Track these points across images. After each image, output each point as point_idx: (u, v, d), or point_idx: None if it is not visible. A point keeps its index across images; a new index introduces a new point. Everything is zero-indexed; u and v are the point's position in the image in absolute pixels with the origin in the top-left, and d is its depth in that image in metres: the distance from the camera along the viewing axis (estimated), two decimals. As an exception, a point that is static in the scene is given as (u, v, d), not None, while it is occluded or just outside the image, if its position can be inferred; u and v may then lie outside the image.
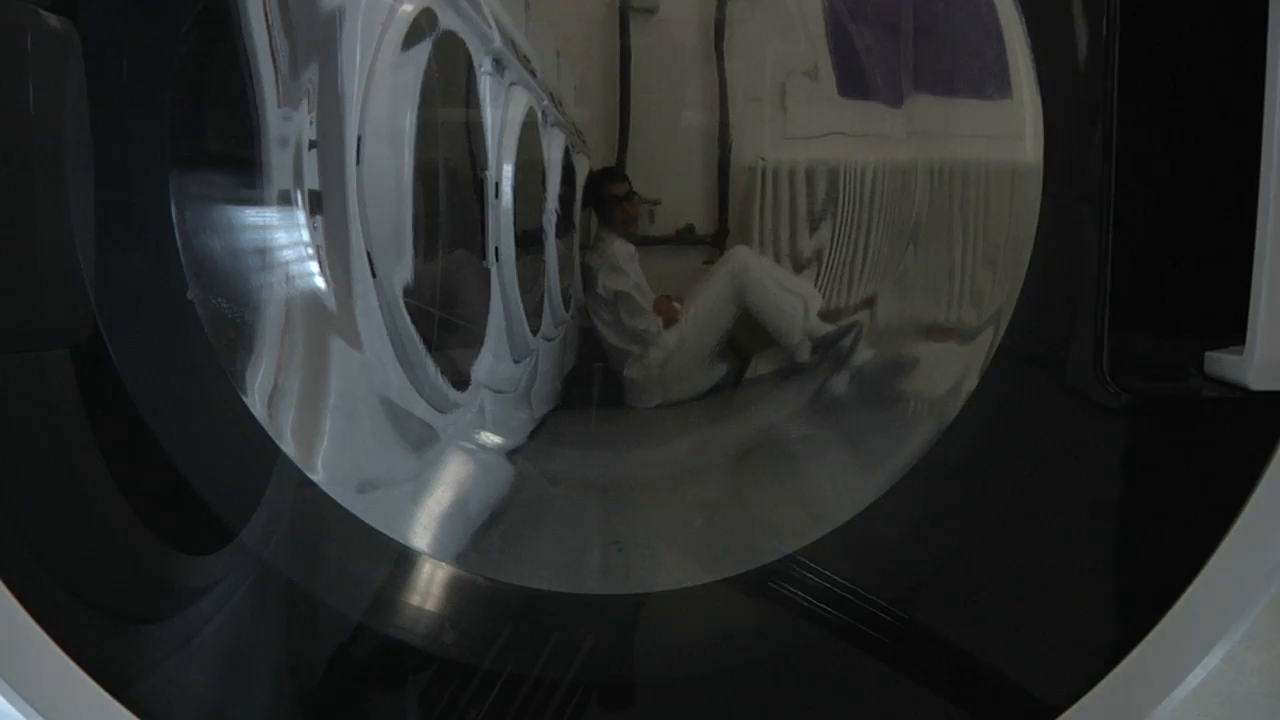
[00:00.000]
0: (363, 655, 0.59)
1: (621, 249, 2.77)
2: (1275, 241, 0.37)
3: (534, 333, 1.80)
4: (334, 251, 0.79)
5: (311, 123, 0.77)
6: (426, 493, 0.75)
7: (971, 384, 0.51)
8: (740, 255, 3.10)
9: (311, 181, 0.77)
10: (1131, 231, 0.44)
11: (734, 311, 3.04)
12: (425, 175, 1.13)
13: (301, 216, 0.77)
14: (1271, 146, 0.40)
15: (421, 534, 0.70)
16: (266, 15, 0.73)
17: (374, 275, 0.96)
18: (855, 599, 0.53)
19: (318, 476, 0.66)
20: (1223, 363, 0.37)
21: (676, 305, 3.02)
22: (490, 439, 0.84)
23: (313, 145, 0.77)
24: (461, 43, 1.28)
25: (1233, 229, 0.40)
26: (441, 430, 0.86)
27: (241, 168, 0.69)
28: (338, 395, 0.79)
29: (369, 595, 0.62)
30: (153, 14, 0.61)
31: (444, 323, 1.22)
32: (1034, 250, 0.50)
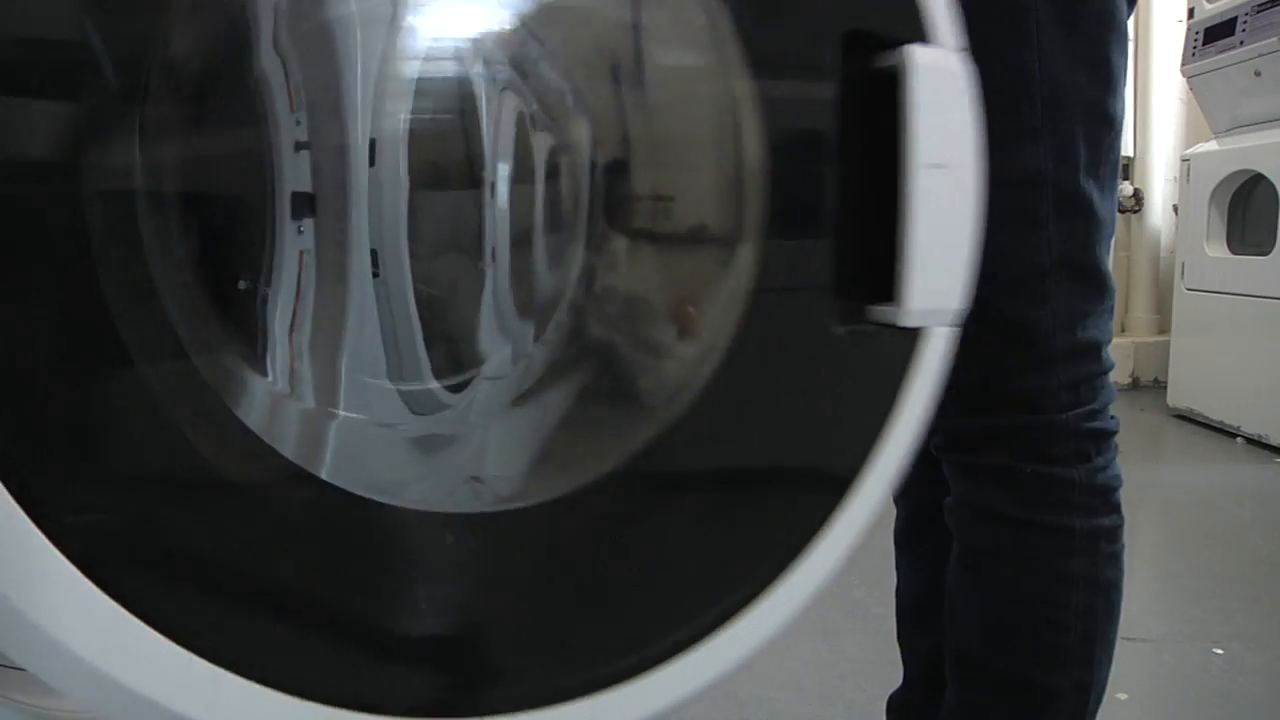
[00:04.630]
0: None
1: (628, 249, 2.75)
2: (912, 228, 0.53)
3: (535, 339, 1.76)
4: (326, 255, 0.79)
5: (299, 123, 0.76)
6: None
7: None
8: None
9: (298, 184, 0.76)
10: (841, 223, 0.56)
11: None
12: (419, 176, 1.13)
13: (288, 220, 0.76)
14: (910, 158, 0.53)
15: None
16: (274, 13, 0.72)
17: (375, 276, 0.96)
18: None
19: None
20: (885, 312, 0.55)
21: (692, 310, 3.00)
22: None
23: (301, 147, 0.76)
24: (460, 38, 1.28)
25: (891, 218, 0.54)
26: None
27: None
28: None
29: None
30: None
31: (440, 325, 1.21)
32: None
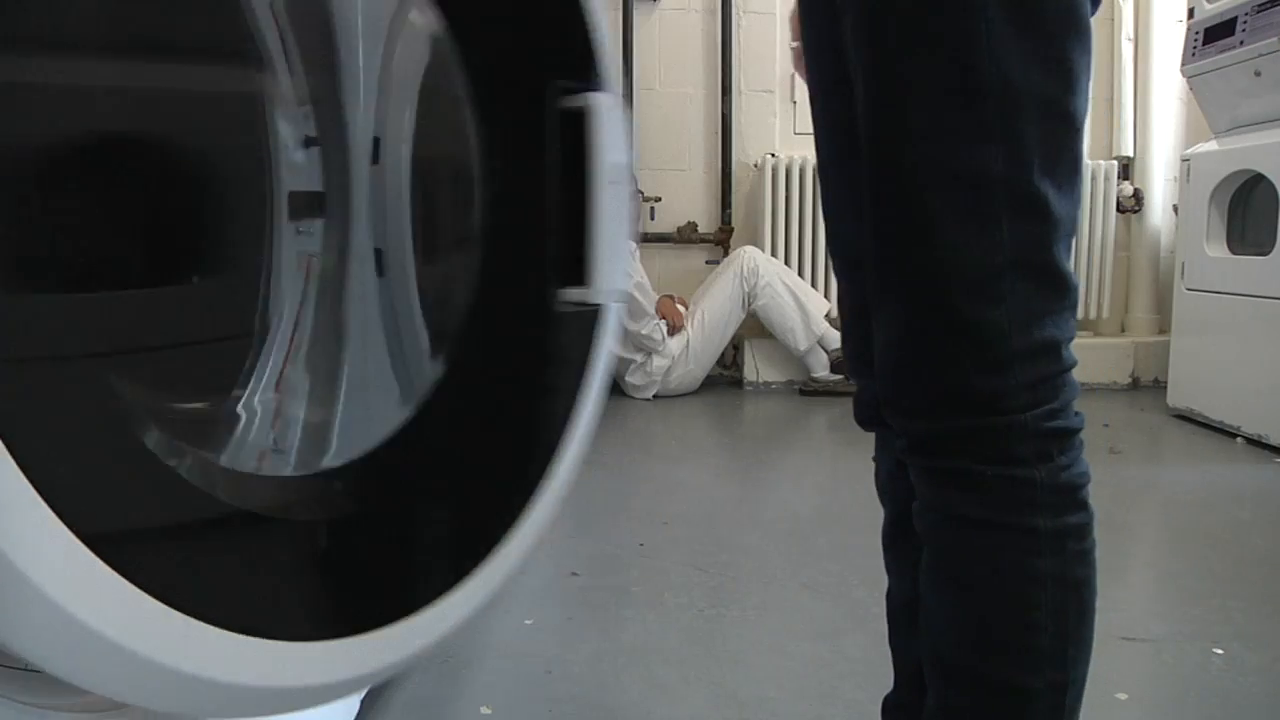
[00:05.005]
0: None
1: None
2: (598, 228, 0.72)
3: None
4: (332, 253, 0.79)
5: (306, 118, 0.75)
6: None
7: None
8: (751, 257, 3.14)
9: (300, 184, 0.75)
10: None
11: (741, 316, 3.08)
12: (425, 173, 1.12)
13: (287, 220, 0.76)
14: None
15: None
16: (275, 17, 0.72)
17: (380, 275, 0.95)
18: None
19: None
20: (580, 294, 0.73)
21: (681, 309, 3.05)
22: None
23: (310, 143, 0.76)
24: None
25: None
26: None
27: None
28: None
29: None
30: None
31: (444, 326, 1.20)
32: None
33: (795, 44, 0.86)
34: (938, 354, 0.66)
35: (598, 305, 0.75)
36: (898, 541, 0.83)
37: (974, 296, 0.64)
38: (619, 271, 0.76)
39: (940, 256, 0.64)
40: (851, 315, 0.80)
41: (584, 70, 0.72)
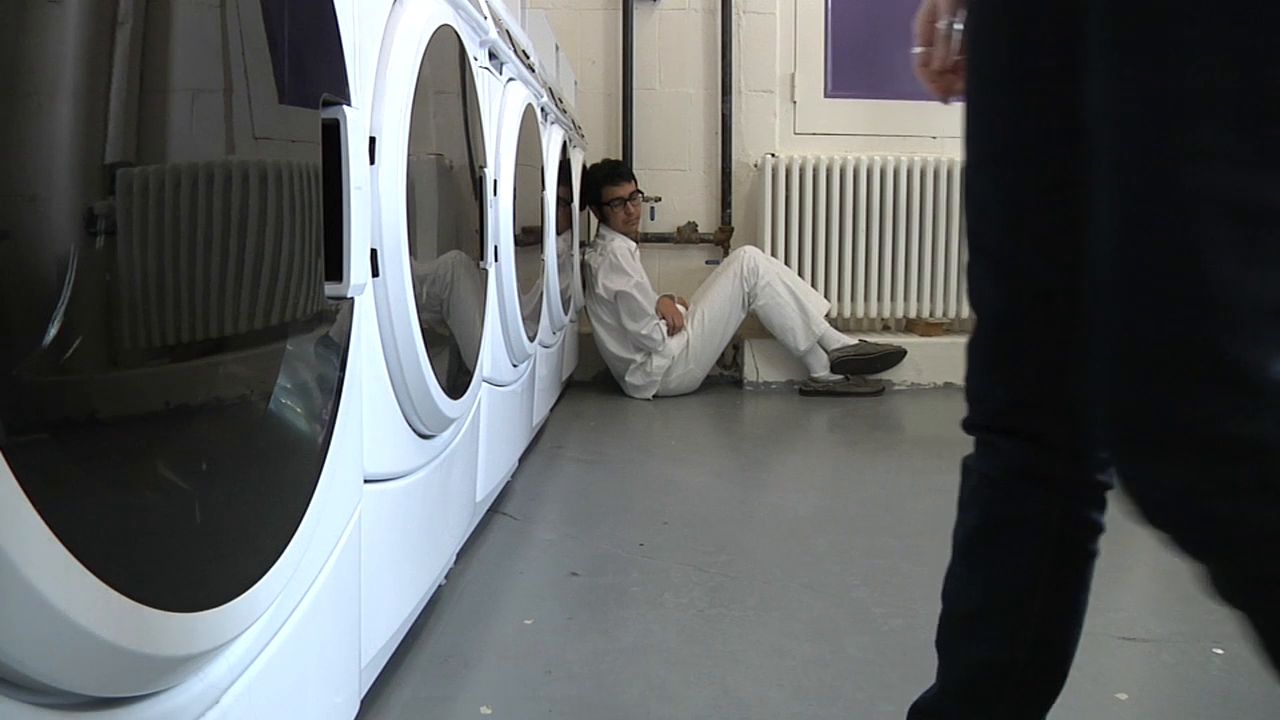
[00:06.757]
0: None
1: (622, 246, 2.78)
2: (349, 230, 0.80)
3: (531, 338, 1.73)
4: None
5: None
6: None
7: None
8: (751, 257, 3.14)
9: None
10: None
11: (741, 316, 3.07)
12: (422, 173, 1.12)
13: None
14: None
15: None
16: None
17: (375, 275, 0.95)
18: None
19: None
20: (337, 288, 0.80)
21: (681, 308, 3.04)
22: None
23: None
24: (456, 35, 1.27)
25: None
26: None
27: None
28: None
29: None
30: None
31: (440, 327, 1.20)
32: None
33: (919, 49, 0.80)
34: (1195, 396, 0.60)
35: (350, 299, 0.83)
36: (977, 548, 0.79)
37: (1239, 336, 0.59)
38: (363, 267, 0.85)
39: (1210, 294, 0.59)
40: (994, 320, 0.76)
41: (338, 86, 0.80)
